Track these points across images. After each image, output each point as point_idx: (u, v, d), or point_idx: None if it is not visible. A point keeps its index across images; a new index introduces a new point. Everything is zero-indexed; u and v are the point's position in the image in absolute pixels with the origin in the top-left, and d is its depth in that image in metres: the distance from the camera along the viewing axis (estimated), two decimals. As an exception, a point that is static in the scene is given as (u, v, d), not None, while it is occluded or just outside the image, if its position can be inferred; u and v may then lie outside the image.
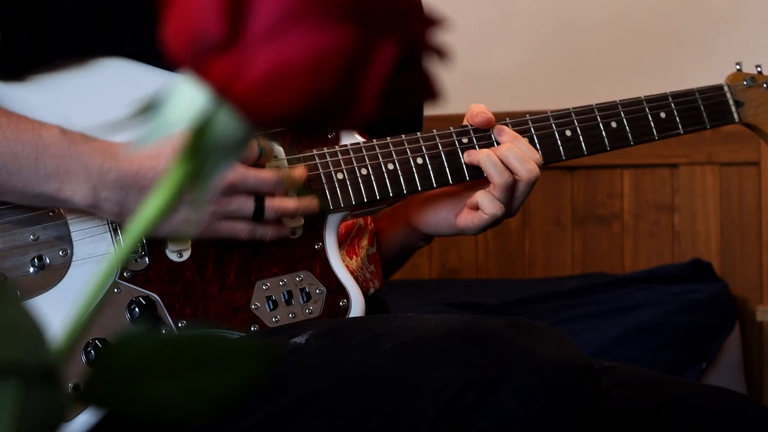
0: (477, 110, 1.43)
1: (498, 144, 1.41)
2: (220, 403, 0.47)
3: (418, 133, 1.40)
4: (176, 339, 0.51)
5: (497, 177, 1.37)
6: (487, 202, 1.38)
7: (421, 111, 1.50)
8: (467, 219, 1.41)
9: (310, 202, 1.32)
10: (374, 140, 1.39)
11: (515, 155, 1.38)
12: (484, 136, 1.43)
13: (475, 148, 1.41)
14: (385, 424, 1.12)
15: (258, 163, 1.30)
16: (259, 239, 1.29)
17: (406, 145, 1.39)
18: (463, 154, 1.40)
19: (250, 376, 0.47)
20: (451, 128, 1.42)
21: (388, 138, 1.39)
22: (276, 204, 1.28)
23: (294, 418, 1.16)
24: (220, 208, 1.25)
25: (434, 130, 1.41)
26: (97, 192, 1.21)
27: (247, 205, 1.26)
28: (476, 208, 1.39)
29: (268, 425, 1.16)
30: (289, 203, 1.29)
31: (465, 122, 1.44)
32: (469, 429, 1.09)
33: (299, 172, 1.32)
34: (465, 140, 1.42)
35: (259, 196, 1.27)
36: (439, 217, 1.44)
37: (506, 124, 1.43)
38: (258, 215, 1.27)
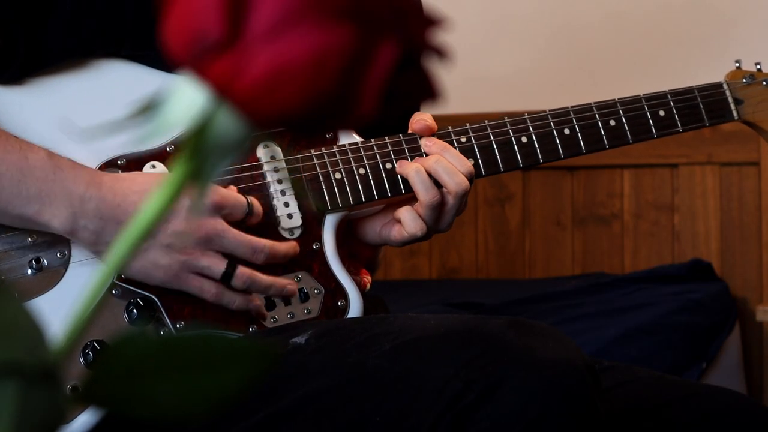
0: (417, 117, 1.40)
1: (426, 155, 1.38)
2: (220, 403, 0.47)
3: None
4: (176, 339, 0.51)
5: (424, 195, 1.34)
6: (409, 221, 1.35)
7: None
8: (390, 232, 1.38)
9: (285, 286, 1.28)
10: (372, 140, 1.39)
11: (444, 168, 1.35)
12: (482, 134, 1.42)
13: (474, 147, 1.41)
14: (385, 424, 1.12)
15: (245, 221, 1.26)
16: (225, 305, 1.25)
17: (404, 145, 1.39)
18: (396, 167, 1.37)
19: (249, 376, 0.47)
20: (450, 128, 1.42)
21: (386, 138, 1.39)
22: (247, 273, 1.24)
23: (294, 419, 1.16)
24: (191, 259, 1.22)
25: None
26: (76, 219, 1.20)
27: (218, 265, 1.23)
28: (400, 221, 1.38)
29: (268, 425, 1.16)
30: (263, 279, 1.25)
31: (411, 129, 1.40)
32: (469, 429, 1.09)
33: (287, 247, 1.29)
34: (463, 139, 1.41)
35: (233, 260, 1.23)
36: (367, 225, 1.42)
37: (450, 133, 1.40)
38: (226, 279, 1.24)
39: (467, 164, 1.37)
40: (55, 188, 1.20)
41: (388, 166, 1.38)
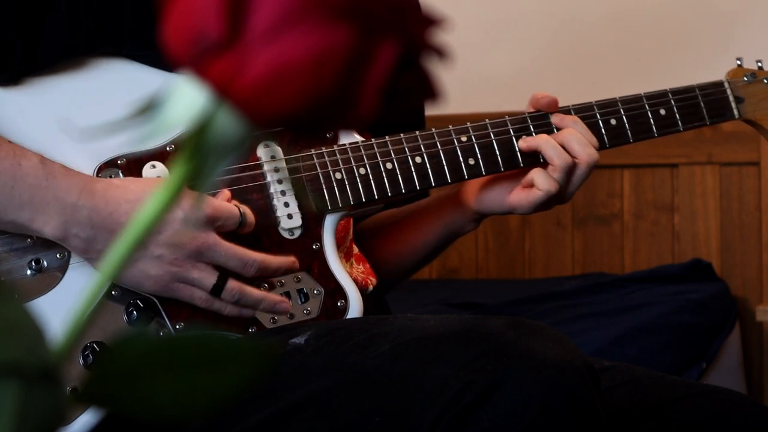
0: (540, 95, 1.47)
1: (541, 132, 1.44)
2: (219, 404, 0.47)
3: (417, 132, 1.40)
4: (176, 339, 0.51)
5: (557, 159, 1.40)
6: (542, 179, 1.40)
7: (423, 110, 1.50)
8: (519, 197, 1.42)
9: (277, 302, 1.27)
10: (373, 139, 1.38)
11: (577, 140, 1.41)
12: (483, 134, 1.42)
13: (474, 146, 1.41)
14: (385, 425, 1.12)
15: (237, 231, 1.26)
16: (216, 311, 1.25)
17: (405, 144, 1.39)
18: (519, 142, 1.43)
19: (249, 376, 0.47)
20: (450, 127, 1.42)
21: (386, 137, 1.39)
22: (237, 288, 1.23)
23: (293, 419, 1.16)
24: (181, 272, 1.22)
25: (433, 129, 1.41)
26: (67, 227, 1.20)
27: (208, 278, 1.22)
28: (530, 185, 1.41)
29: (268, 426, 1.16)
30: (253, 293, 1.25)
31: (529, 109, 1.47)
32: (469, 429, 1.09)
33: (280, 261, 1.28)
34: (464, 138, 1.42)
35: (224, 273, 1.23)
36: (493, 194, 1.46)
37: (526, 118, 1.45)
38: (216, 292, 1.23)
39: (594, 138, 1.44)
40: (48, 196, 1.19)
41: (389, 166, 1.38)
